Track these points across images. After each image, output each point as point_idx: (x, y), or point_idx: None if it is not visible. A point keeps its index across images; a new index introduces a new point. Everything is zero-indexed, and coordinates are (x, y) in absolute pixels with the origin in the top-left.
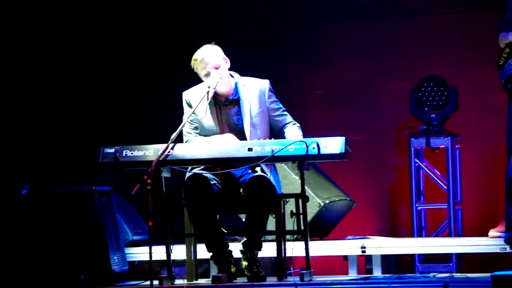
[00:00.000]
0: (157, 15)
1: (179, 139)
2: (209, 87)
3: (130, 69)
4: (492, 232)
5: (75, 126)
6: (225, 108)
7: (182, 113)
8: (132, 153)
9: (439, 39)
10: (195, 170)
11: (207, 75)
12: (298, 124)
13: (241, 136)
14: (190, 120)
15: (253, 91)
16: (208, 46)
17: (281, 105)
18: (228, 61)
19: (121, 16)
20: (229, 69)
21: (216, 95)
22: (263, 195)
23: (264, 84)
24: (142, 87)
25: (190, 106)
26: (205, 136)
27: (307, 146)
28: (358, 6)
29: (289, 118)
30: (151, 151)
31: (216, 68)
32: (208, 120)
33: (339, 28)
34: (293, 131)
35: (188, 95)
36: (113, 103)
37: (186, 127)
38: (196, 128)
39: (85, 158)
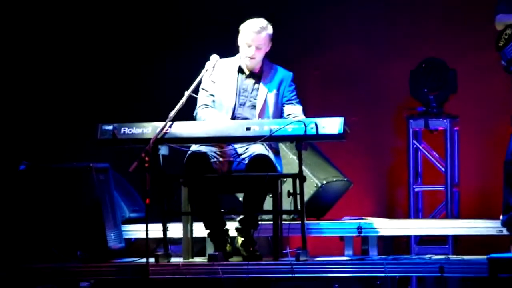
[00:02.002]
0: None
1: (178, 117)
2: (213, 62)
3: (129, 46)
4: None
5: (74, 103)
6: (247, 80)
7: (181, 91)
8: (130, 131)
9: (439, 21)
10: (195, 148)
11: (249, 46)
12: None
13: (253, 109)
14: (207, 88)
15: (277, 76)
16: (266, 24)
17: (297, 98)
18: (271, 45)
19: None
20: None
21: (242, 67)
22: (262, 174)
23: (288, 74)
24: (141, 64)
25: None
26: (219, 104)
27: (305, 126)
28: None
29: (299, 110)
30: (149, 129)
31: (258, 48)
32: (227, 87)
33: (338, 10)
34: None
35: (211, 64)
36: (112, 80)
37: (201, 93)
38: (211, 95)
39: (84, 135)
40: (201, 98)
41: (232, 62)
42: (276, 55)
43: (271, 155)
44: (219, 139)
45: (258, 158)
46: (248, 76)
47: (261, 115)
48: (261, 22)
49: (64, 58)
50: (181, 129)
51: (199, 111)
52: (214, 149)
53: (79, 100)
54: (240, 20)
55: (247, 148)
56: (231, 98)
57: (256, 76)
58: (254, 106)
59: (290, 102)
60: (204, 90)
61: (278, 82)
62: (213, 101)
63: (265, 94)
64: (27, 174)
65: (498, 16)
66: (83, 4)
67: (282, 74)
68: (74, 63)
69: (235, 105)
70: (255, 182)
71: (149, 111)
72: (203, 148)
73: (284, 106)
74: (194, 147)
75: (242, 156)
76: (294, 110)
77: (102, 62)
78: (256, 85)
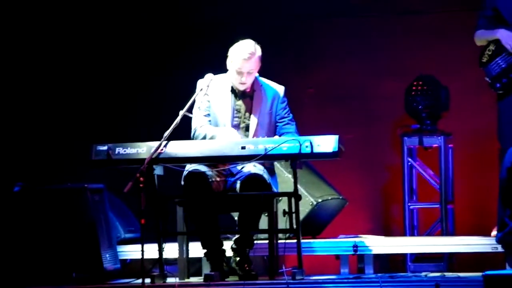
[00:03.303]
0: (153, 14)
1: (172, 136)
2: (208, 81)
3: (124, 66)
4: (495, 232)
5: (69, 124)
6: (239, 101)
7: (176, 111)
8: (124, 151)
9: (432, 39)
10: (191, 167)
11: (239, 72)
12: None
13: (247, 131)
14: (203, 108)
15: (269, 93)
16: (256, 47)
17: (290, 115)
18: (260, 65)
19: (116, 14)
20: None
21: (234, 87)
22: (258, 193)
23: (280, 89)
24: (136, 85)
25: (205, 93)
26: (215, 124)
27: (300, 145)
28: (352, 6)
29: (292, 128)
30: (144, 149)
31: (249, 73)
32: (221, 109)
33: (333, 27)
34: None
35: (205, 83)
36: (107, 101)
37: (197, 113)
38: (208, 115)
39: (78, 156)
40: (198, 118)
41: (224, 81)
42: (271, 72)
43: (265, 174)
44: (214, 159)
45: (252, 178)
46: (240, 97)
47: (255, 136)
48: (249, 47)
49: (59, 80)
50: (176, 149)
51: (198, 128)
52: (209, 168)
53: (74, 121)
54: (235, 40)
55: (242, 168)
56: (226, 120)
57: (248, 96)
58: (247, 128)
59: (283, 120)
60: (200, 110)
61: (270, 100)
62: (209, 121)
63: (257, 114)
64: (22, 196)
65: (478, 32)
66: (79, 24)
67: (274, 90)
68: (69, 84)
69: (231, 127)
70: (250, 201)
71: (143, 130)
72: (200, 167)
73: (280, 125)
74: (189, 166)
75: (237, 176)
76: (288, 130)
77: (96, 82)
78: (249, 106)
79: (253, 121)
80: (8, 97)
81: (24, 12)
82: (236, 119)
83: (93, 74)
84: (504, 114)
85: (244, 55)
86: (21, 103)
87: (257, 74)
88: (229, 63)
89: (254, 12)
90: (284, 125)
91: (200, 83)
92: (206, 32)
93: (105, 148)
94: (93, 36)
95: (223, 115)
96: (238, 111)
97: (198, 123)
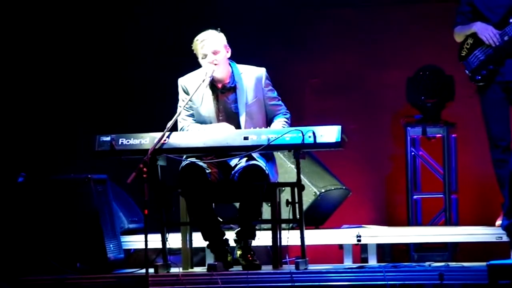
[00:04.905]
0: (155, 4)
1: (176, 127)
2: (206, 74)
3: (127, 57)
4: (499, 222)
5: (72, 114)
6: (223, 95)
7: (178, 102)
8: (128, 141)
9: (436, 28)
10: (190, 159)
11: (205, 57)
12: (288, 115)
13: (238, 123)
14: (186, 107)
15: (250, 79)
16: (212, 31)
17: (276, 94)
18: (229, 50)
19: (118, 8)
20: (228, 58)
21: (213, 82)
22: (256, 183)
23: (260, 72)
24: (139, 76)
25: (186, 92)
26: (201, 123)
27: (303, 135)
28: None
29: (282, 108)
30: (147, 140)
31: (214, 53)
32: (205, 107)
33: (335, 17)
34: (277, 123)
35: (184, 81)
36: (110, 92)
37: (181, 114)
38: (192, 115)
39: (82, 146)
40: (183, 118)
41: (202, 80)
42: (272, 63)
43: (263, 163)
44: (217, 149)
45: (250, 169)
46: (222, 92)
47: (247, 126)
48: (206, 32)
49: (63, 71)
50: (178, 139)
51: (185, 128)
52: (201, 159)
53: (77, 112)
54: (237, 32)
55: (239, 160)
56: (212, 118)
57: (229, 89)
58: (236, 119)
59: (272, 102)
60: (185, 109)
61: (254, 86)
62: (194, 120)
63: (244, 105)
64: (26, 186)
65: (455, 28)
66: (82, 16)
67: (255, 74)
68: (73, 76)
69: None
70: (248, 191)
71: (146, 122)
72: (195, 160)
73: (270, 108)
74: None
75: (236, 168)
76: (281, 110)
77: (100, 74)
78: (233, 99)
79: (241, 113)
80: (12, 88)
81: (26, 5)
82: (222, 116)
83: (97, 65)
84: (487, 106)
85: (201, 37)
86: (25, 94)
87: (237, 65)
88: (198, 55)
89: (255, 3)
90: (273, 106)
91: (181, 81)
92: (209, 24)
93: (108, 138)
94: (96, 28)
95: (208, 114)
96: (224, 107)
97: (185, 122)
